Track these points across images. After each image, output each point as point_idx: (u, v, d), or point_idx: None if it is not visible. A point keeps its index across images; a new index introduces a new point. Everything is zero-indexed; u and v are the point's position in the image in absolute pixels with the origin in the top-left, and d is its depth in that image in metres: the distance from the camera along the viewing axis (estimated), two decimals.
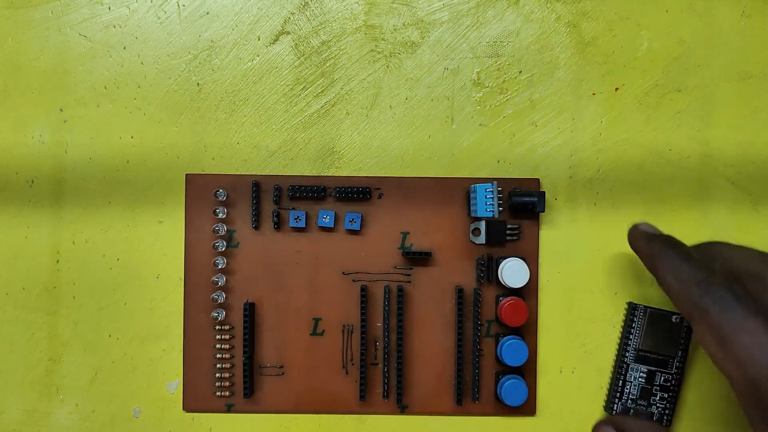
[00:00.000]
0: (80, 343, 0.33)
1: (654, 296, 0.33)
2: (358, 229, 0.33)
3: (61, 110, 0.33)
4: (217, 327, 0.33)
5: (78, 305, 0.33)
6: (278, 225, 0.33)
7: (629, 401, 0.32)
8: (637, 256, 0.29)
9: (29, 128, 0.33)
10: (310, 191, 0.32)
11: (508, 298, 0.32)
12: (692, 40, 0.33)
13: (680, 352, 0.31)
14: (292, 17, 0.33)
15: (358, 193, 0.32)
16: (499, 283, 0.32)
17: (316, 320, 0.33)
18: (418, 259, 0.33)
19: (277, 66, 0.33)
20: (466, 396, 0.33)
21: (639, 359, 0.32)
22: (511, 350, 0.32)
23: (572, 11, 0.33)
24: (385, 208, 0.33)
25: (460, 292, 0.32)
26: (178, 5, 0.33)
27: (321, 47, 0.33)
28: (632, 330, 0.32)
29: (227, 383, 0.33)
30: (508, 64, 0.33)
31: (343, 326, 0.33)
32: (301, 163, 0.33)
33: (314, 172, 0.33)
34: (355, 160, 0.33)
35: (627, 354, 0.32)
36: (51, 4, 0.33)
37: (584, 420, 0.33)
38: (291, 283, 0.33)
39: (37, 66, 0.33)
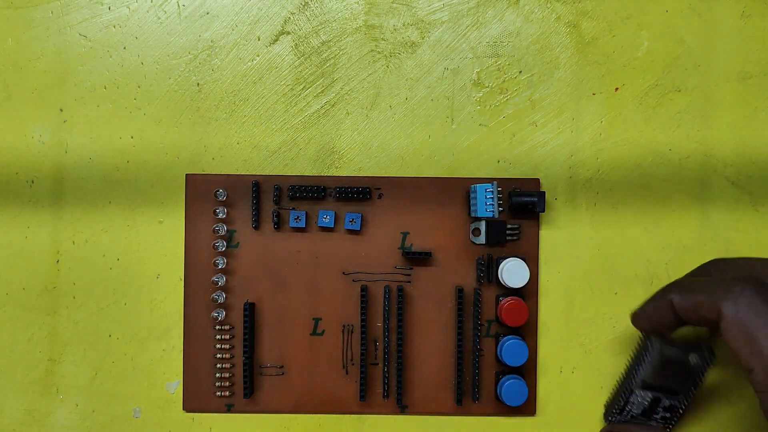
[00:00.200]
0: (80, 343, 0.33)
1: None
2: (358, 229, 0.33)
3: (61, 110, 0.33)
4: (217, 327, 0.33)
5: (78, 305, 0.33)
6: (278, 225, 0.33)
7: (630, 416, 0.31)
8: (665, 321, 0.28)
9: (29, 128, 0.33)
10: (310, 191, 0.32)
11: (508, 298, 0.32)
12: (692, 40, 0.33)
13: (692, 389, 0.30)
14: (292, 17, 0.33)
15: (358, 193, 0.32)
16: (499, 283, 0.32)
17: (316, 320, 0.33)
18: (418, 259, 0.33)
19: (277, 66, 0.33)
20: (466, 396, 0.33)
21: (646, 387, 0.30)
22: (511, 350, 0.32)
23: (572, 11, 0.33)
24: (385, 208, 0.33)
25: (460, 292, 0.32)
26: (178, 5, 0.33)
27: (321, 47, 0.33)
28: (642, 364, 0.29)
29: (227, 383, 0.33)
30: (508, 64, 0.33)
31: (343, 326, 0.33)
32: (301, 163, 0.33)
33: (314, 172, 0.33)
34: (355, 160, 0.33)
35: (634, 381, 0.30)
36: (51, 4, 0.33)
37: (584, 420, 0.33)
38: (291, 283, 0.33)
39: (37, 66, 0.33)
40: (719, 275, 0.29)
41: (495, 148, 0.33)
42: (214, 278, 0.32)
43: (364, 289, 0.32)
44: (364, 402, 0.33)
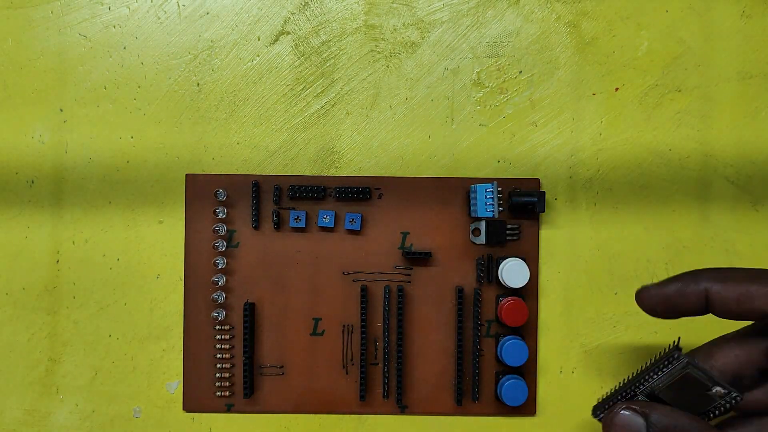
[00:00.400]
0: (80, 343, 0.33)
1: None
2: (358, 229, 0.33)
3: (61, 110, 0.33)
4: (217, 327, 0.33)
5: (78, 305, 0.33)
6: (278, 225, 0.33)
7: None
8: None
9: (29, 128, 0.33)
10: (310, 191, 0.32)
11: (508, 298, 0.32)
12: (692, 40, 0.33)
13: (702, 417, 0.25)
14: (292, 17, 0.33)
15: (358, 193, 0.32)
16: (499, 283, 0.32)
17: (316, 320, 0.33)
18: (418, 259, 0.33)
19: (277, 66, 0.33)
20: (466, 396, 0.33)
21: (650, 397, 0.26)
22: (511, 350, 0.32)
23: (572, 11, 0.33)
24: (385, 208, 0.33)
25: (460, 292, 0.32)
26: (178, 5, 0.33)
27: (321, 47, 0.33)
28: (659, 373, 0.25)
29: (227, 383, 0.33)
30: (508, 64, 0.33)
31: (343, 326, 0.33)
32: (301, 163, 0.33)
33: (314, 172, 0.33)
34: (355, 160, 0.33)
35: (641, 387, 0.26)
36: (51, 4, 0.33)
37: (584, 420, 0.33)
38: (291, 283, 0.33)
39: (37, 66, 0.33)
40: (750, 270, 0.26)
41: (495, 148, 0.33)
42: (214, 278, 0.32)
43: (364, 289, 0.32)
44: (364, 402, 0.33)
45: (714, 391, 0.25)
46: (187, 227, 0.33)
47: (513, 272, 0.31)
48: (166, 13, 0.33)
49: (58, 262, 0.33)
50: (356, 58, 0.33)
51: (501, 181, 0.32)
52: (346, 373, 0.33)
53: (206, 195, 0.33)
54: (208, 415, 0.33)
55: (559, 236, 0.33)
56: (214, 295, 0.33)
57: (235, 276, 0.33)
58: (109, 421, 0.33)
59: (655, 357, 0.25)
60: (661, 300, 0.26)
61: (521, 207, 0.32)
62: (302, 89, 0.33)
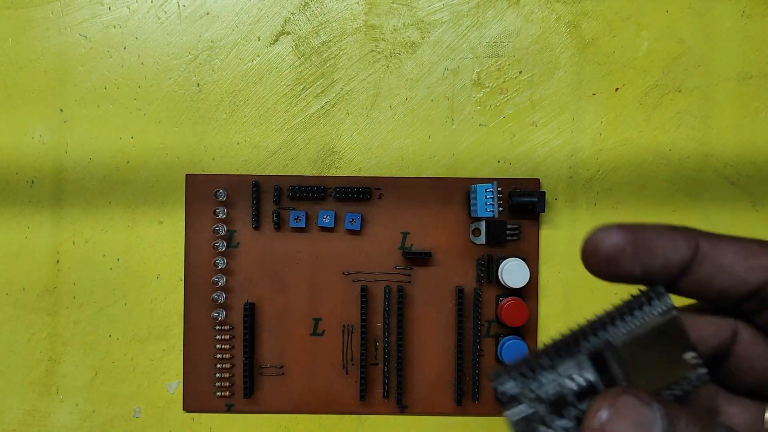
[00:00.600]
0: (80, 343, 0.33)
1: None
2: (358, 229, 0.33)
3: (61, 110, 0.33)
4: (217, 327, 0.33)
5: (78, 305, 0.33)
6: (278, 225, 0.33)
7: (529, 393, 0.16)
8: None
9: (29, 128, 0.33)
10: (310, 191, 0.32)
11: (508, 299, 0.32)
12: (692, 40, 0.33)
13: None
14: (292, 17, 0.33)
15: (358, 193, 0.32)
16: (499, 283, 0.32)
17: (316, 320, 0.33)
18: (418, 259, 0.33)
19: (277, 66, 0.33)
20: (466, 396, 0.33)
21: (596, 358, 0.17)
22: (511, 350, 0.32)
23: (572, 11, 0.33)
24: (385, 208, 0.33)
25: (460, 292, 0.32)
26: (178, 5, 0.33)
27: (321, 47, 0.33)
28: (622, 321, 0.17)
29: (227, 383, 0.33)
30: (508, 65, 0.33)
31: (343, 326, 0.33)
32: (301, 163, 0.33)
33: (314, 172, 0.33)
34: (355, 161, 0.33)
35: (586, 341, 0.17)
36: (51, 4, 0.33)
37: None
38: (291, 283, 0.33)
39: (37, 66, 0.33)
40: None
41: (495, 148, 0.33)
42: (214, 278, 0.32)
43: (364, 289, 0.32)
44: (364, 402, 0.33)
45: (688, 357, 0.17)
46: (187, 227, 0.33)
47: (513, 272, 0.31)
48: (166, 13, 0.33)
49: (58, 262, 0.33)
50: (356, 59, 0.33)
51: (501, 181, 0.32)
52: (346, 373, 0.33)
53: (206, 195, 0.33)
54: (208, 415, 0.33)
55: (559, 236, 0.33)
56: (214, 295, 0.33)
57: (235, 276, 0.33)
58: (109, 421, 0.33)
59: (613, 306, 0.18)
60: (632, 239, 0.17)
61: (521, 207, 0.32)
62: (302, 89, 0.33)
